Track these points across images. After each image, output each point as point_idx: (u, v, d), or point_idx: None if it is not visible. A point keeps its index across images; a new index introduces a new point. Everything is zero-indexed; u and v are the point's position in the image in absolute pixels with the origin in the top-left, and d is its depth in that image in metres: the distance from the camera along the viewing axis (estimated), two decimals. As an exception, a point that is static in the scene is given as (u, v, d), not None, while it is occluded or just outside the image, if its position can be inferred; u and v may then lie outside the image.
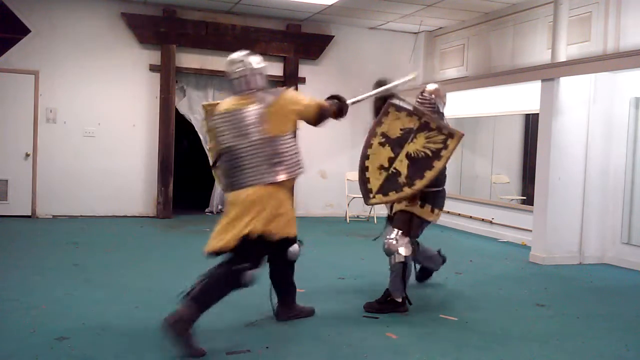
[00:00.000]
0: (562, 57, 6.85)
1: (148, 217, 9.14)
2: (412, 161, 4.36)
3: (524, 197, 8.42)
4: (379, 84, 4.63)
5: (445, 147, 4.32)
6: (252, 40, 9.45)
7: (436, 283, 5.39)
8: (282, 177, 3.69)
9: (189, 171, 11.71)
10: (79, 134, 8.85)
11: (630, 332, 4.25)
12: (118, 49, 8.96)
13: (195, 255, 6.37)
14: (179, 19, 9.11)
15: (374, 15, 9.33)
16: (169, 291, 4.80)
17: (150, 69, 9.09)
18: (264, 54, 9.53)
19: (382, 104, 4.51)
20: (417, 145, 4.39)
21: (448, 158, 4.33)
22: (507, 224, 8.26)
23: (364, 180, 4.45)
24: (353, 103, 4.28)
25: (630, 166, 6.70)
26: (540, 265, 6.64)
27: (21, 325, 3.82)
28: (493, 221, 8.55)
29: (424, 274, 5.39)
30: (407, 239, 4.51)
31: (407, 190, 4.33)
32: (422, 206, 4.59)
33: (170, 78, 9.06)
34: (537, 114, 7.14)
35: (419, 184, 4.30)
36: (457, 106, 8.54)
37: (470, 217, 8.87)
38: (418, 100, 4.82)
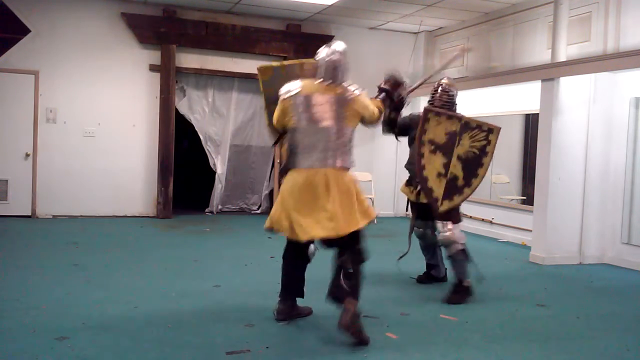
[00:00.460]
0: (562, 57, 6.85)
1: (148, 217, 9.14)
2: (464, 163, 4.70)
3: (524, 197, 8.42)
4: (390, 79, 4.61)
5: (488, 142, 4.71)
6: (252, 40, 9.45)
7: (436, 283, 5.39)
8: (349, 164, 3.93)
9: (189, 171, 11.72)
10: (79, 134, 8.85)
11: (630, 332, 4.25)
12: (118, 49, 8.96)
13: (195, 255, 6.40)
14: (179, 19, 9.12)
15: (374, 15, 9.33)
16: (169, 291, 4.82)
17: (150, 69, 9.09)
18: (264, 54, 9.63)
19: (383, 91, 4.56)
20: (464, 146, 4.71)
21: (493, 153, 4.71)
22: (507, 224, 8.26)
23: (428, 191, 4.74)
24: (409, 93, 4.58)
25: (630, 166, 6.70)
26: (540, 265, 6.64)
27: (21, 325, 3.82)
28: (493, 221, 8.55)
29: (428, 277, 5.43)
30: (458, 227, 4.86)
31: (467, 191, 4.72)
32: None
33: (170, 78, 9.07)
34: (537, 114, 7.14)
35: (475, 183, 4.72)
36: (457, 106, 8.52)
37: (470, 217, 8.87)
38: (437, 93, 4.97)
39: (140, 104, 9.13)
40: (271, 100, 4.16)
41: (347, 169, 3.93)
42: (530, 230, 7.18)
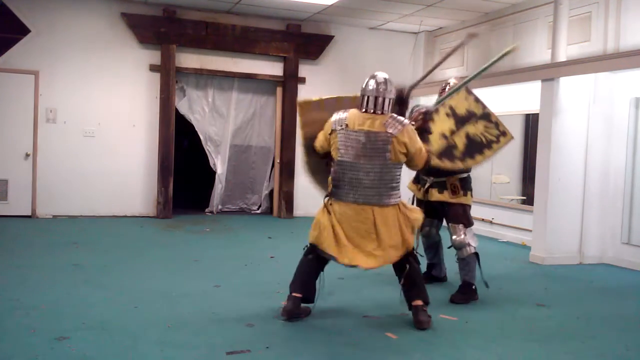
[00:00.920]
0: (562, 57, 6.85)
1: (148, 217, 9.14)
2: (470, 141, 4.82)
3: (524, 197, 8.42)
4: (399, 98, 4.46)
5: (497, 141, 4.85)
6: (252, 40, 9.45)
7: (436, 283, 5.39)
8: (395, 200, 4.09)
9: (189, 171, 11.72)
10: (79, 134, 8.85)
11: (630, 332, 4.25)
12: (118, 49, 8.96)
13: (195, 255, 6.40)
14: (179, 19, 9.11)
15: (374, 15, 9.33)
16: (169, 291, 4.82)
17: (150, 69, 9.09)
18: (264, 54, 9.64)
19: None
20: (477, 129, 4.85)
21: (496, 151, 4.84)
22: (507, 224, 8.26)
23: (427, 140, 4.74)
24: (416, 85, 4.58)
25: (630, 166, 6.70)
26: (540, 265, 6.64)
27: (21, 325, 3.82)
28: (493, 221, 8.55)
29: (429, 277, 5.43)
30: (471, 230, 4.91)
31: (457, 164, 4.78)
32: (465, 194, 4.96)
33: (170, 78, 9.06)
34: (537, 114, 7.14)
35: (469, 163, 4.81)
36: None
37: (470, 217, 8.87)
38: (443, 92, 5.01)
39: (140, 104, 9.13)
40: (306, 124, 4.36)
41: (393, 204, 4.07)
42: (530, 230, 7.18)
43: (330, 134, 4.15)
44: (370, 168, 3.99)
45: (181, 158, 10.31)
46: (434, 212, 5.12)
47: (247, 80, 9.74)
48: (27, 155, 8.61)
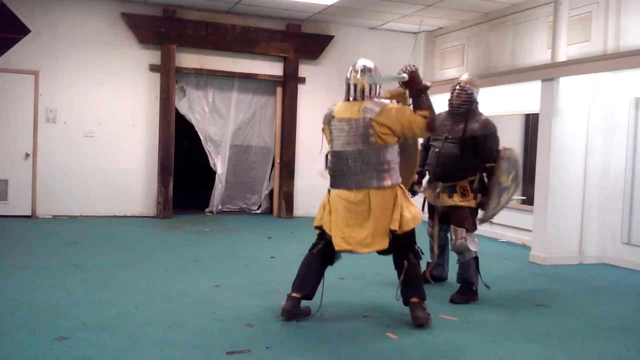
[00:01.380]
0: (562, 57, 6.85)
1: (148, 217, 9.14)
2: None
3: (524, 197, 8.41)
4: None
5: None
6: (252, 40, 9.45)
7: (436, 283, 5.39)
8: (390, 182, 4.06)
9: (189, 171, 11.72)
10: (79, 134, 8.85)
11: (630, 332, 4.25)
12: (118, 49, 8.96)
13: (195, 255, 6.40)
14: (179, 19, 9.11)
15: (374, 15, 9.33)
16: (169, 291, 4.82)
17: (150, 69, 9.09)
18: (264, 54, 9.64)
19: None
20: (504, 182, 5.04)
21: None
22: (507, 224, 8.26)
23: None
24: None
25: (630, 166, 6.70)
26: (540, 265, 6.64)
27: (21, 325, 3.82)
28: (493, 221, 8.52)
29: (430, 277, 5.42)
30: (473, 235, 4.90)
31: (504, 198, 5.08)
32: (474, 197, 4.94)
33: (170, 78, 9.07)
34: (537, 114, 7.14)
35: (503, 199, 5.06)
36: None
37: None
38: (455, 92, 4.95)
39: (140, 104, 9.13)
40: None
41: (390, 186, 4.06)
42: (530, 230, 7.18)
43: (323, 129, 4.30)
44: (357, 154, 4.05)
45: (181, 158, 10.30)
46: (445, 217, 5.11)
47: (247, 80, 9.74)
48: (27, 155, 8.61)
